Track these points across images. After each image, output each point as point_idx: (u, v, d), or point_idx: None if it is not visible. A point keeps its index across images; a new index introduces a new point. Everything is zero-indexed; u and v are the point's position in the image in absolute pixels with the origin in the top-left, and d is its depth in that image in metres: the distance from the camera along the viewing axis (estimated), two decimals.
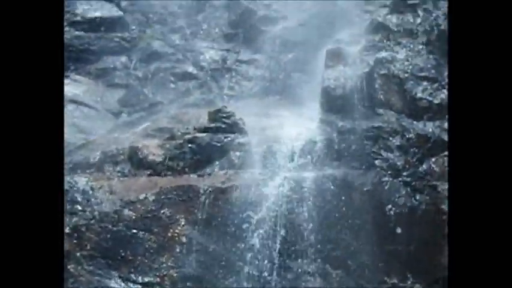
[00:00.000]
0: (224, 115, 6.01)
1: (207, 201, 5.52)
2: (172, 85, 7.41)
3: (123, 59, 7.70)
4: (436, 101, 5.46)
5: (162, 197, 5.59)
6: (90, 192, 5.71)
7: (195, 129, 6.03)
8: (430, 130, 5.42)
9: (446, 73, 5.42)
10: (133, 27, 8.07)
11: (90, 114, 7.07)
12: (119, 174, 5.98)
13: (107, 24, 7.88)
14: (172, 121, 6.58)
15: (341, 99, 5.95)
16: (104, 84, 7.45)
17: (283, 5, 7.63)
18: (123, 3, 8.26)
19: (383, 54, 5.89)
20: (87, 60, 7.58)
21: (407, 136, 5.45)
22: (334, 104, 5.97)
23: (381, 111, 5.70)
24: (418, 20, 5.98)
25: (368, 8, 6.71)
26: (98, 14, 7.99)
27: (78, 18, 7.74)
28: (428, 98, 5.49)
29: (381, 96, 5.75)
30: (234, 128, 5.96)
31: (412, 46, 5.84)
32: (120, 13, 8.11)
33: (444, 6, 5.73)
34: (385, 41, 6.06)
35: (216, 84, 7.42)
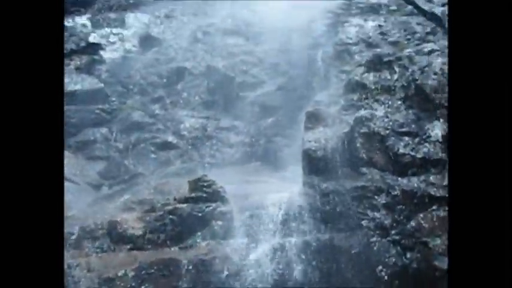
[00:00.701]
0: (205, 184, 5.85)
1: (188, 275, 5.24)
2: (153, 155, 7.31)
3: (104, 130, 7.66)
4: (419, 156, 5.32)
5: (142, 272, 5.30)
6: (67, 270, 5.43)
7: (175, 199, 5.85)
8: (416, 185, 5.24)
9: (426, 127, 5.35)
10: (114, 99, 8.09)
11: (69, 188, 6.88)
12: (98, 250, 5.72)
13: (87, 97, 7.91)
14: (152, 192, 6.41)
15: (323, 161, 5.80)
16: (84, 156, 7.36)
17: (261, 70, 7.69)
18: (104, 75, 8.34)
19: (362, 112, 5.81)
20: (67, 133, 7.45)
21: (392, 193, 5.26)
22: (316, 165, 5.81)
23: (364, 170, 5.53)
24: (395, 77, 5.96)
25: (344, 68, 6.75)
26: (78, 86, 8.04)
27: None
28: (411, 153, 5.35)
29: (363, 155, 5.60)
30: (215, 196, 5.78)
31: (390, 102, 5.78)
32: (101, 85, 8.16)
33: (420, 60, 5.75)
34: (363, 99, 6.01)
35: (197, 152, 7.33)
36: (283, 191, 5.96)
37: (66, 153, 7.33)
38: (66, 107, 7.66)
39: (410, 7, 7.41)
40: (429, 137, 5.34)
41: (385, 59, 6.18)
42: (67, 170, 7.03)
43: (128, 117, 7.83)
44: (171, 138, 7.45)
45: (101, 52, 8.89)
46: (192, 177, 6.11)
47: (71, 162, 7.21)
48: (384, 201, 5.26)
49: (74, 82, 8.11)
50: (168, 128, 7.64)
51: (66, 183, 6.92)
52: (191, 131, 7.55)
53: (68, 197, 6.89)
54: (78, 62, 8.54)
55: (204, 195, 5.76)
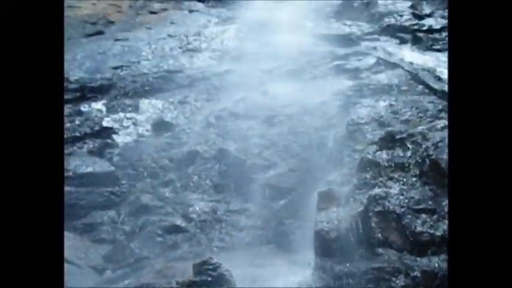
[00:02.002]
0: (210, 267, 5.54)
1: None
2: (159, 239, 7.03)
3: (111, 213, 7.47)
4: (438, 233, 5.01)
5: None
6: None
7: (178, 283, 5.54)
8: (437, 265, 4.88)
9: (444, 203, 5.08)
10: (124, 182, 7.97)
11: (71, 272, 6.59)
12: None
13: (97, 179, 7.83)
14: (156, 276, 6.08)
15: (336, 242, 5.53)
16: (90, 239, 7.13)
17: (273, 152, 7.58)
18: (115, 159, 8.31)
19: (376, 191, 5.59)
20: (75, 215, 7.35)
21: (411, 275, 4.90)
22: (329, 247, 5.53)
23: (380, 250, 5.22)
24: (408, 153, 5.79)
25: (357, 147, 6.62)
26: (89, 169, 8.00)
27: (70, 173, 7.72)
28: (429, 231, 5.05)
29: (379, 235, 5.31)
30: (221, 280, 5.45)
31: (405, 180, 5.56)
32: (112, 168, 8.10)
33: (434, 136, 5.60)
34: (376, 177, 5.80)
35: (206, 236, 7.04)
36: (294, 274, 5.65)
37: (71, 235, 7.14)
38: (76, 189, 7.67)
39: (421, 87, 7.43)
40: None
41: (398, 137, 6.05)
42: (71, 253, 6.81)
43: (136, 200, 7.67)
44: (179, 222, 7.20)
45: (114, 136, 8.93)
46: (199, 261, 5.84)
47: (75, 245, 6.99)
48: (402, 283, 4.89)
49: (85, 165, 8.09)
50: (177, 211, 7.43)
51: (68, 266, 6.64)
52: (200, 214, 7.32)
53: (69, 282, 6.61)
54: (91, 145, 8.57)
55: (209, 278, 5.44)
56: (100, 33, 12.44)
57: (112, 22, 13.09)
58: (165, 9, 13.27)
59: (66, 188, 7.69)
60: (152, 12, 13.21)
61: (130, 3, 13.46)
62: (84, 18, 12.85)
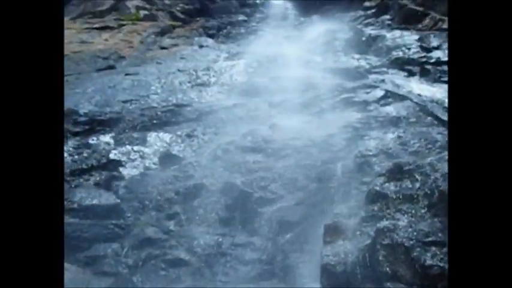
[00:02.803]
0: None
1: None
2: (163, 272, 6.85)
3: (115, 245, 7.31)
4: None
5: None
6: None
7: None
8: None
9: None
10: (129, 215, 7.85)
11: None
12: None
13: (103, 212, 7.71)
14: None
15: (343, 276, 5.35)
16: (92, 272, 6.95)
17: (279, 185, 7.46)
18: (121, 191, 8.22)
19: (384, 223, 5.43)
20: (78, 247, 7.20)
21: None
22: (335, 282, 5.36)
23: (388, 284, 5.00)
24: (417, 185, 5.65)
25: (365, 179, 6.47)
26: (95, 201, 7.91)
27: (75, 205, 7.63)
28: (439, 264, 4.83)
29: (387, 269, 5.11)
30: None
31: (414, 211, 5.40)
32: (117, 200, 8.01)
33: (443, 167, 5.46)
34: (384, 209, 5.65)
35: (210, 270, 6.84)
36: None
37: (74, 268, 6.98)
38: (80, 221, 7.56)
39: (430, 118, 7.32)
40: None
41: (406, 168, 5.92)
42: (72, 285, 6.66)
43: (141, 233, 7.51)
44: (183, 255, 7.02)
45: (121, 168, 8.89)
46: None
47: (77, 277, 6.81)
48: None
49: (91, 197, 7.99)
50: (181, 245, 7.25)
51: None
52: (205, 248, 7.14)
53: None
54: (98, 178, 8.51)
55: None
56: (111, 67, 12.62)
57: (123, 57, 13.29)
58: (175, 45, 13.47)
59: (71, 220, 7.63)
60: (163, 48, 13.41)
61: (142, 39, 13.68)
62: (96, 53, 13.07)
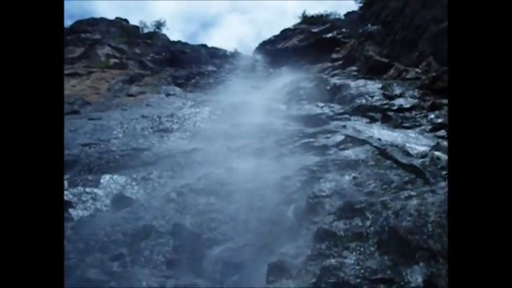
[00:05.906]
0: None
1: None
2: None
3: None
4: None
5: None
6: None
7: None
8: None
9: (404, 272, 4.54)
10: (72, 256, 7.36)
11: None
12: None
13: None
14: None
15: None
16: None
17: (230, 227, 7.09)
18: (68, 232, 7.74)
19: (330, 261, 5.07)
20: None
21: None
22: None
23: None
24: (368, 223, 5.34)
25: (315, 219, 6.12)
26: None
27: None
28: None
29: None
30: None
31: (362, 249, 5.06)
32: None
33: (395, 205, 5.18)
34: (332, 248, 5.30)
35: None
36: None
37: None
38: None
39: (389, 161, 7.08)
40: (408, 283, 4.50)
41: (357, 206, 5.63)
42: None
43: (83, 275, 7.00)
44: None
45: (70, 210, 8.50)
46: None
47: None
48: None
49: None
50: (123, 287, 6.74)
51: None
52: None
53: None
54: None
55: None
56: (75, 112, 12.43)
57: (89, 103, 13.12)
58: (142, 93, 13.36)
59: None
60: (130, 95, 13.28)
61: (109, 86, 13.56)
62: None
